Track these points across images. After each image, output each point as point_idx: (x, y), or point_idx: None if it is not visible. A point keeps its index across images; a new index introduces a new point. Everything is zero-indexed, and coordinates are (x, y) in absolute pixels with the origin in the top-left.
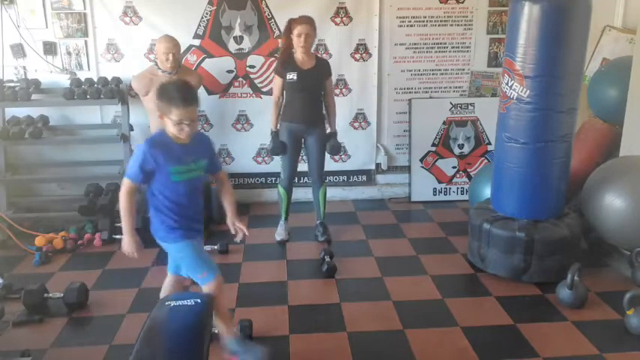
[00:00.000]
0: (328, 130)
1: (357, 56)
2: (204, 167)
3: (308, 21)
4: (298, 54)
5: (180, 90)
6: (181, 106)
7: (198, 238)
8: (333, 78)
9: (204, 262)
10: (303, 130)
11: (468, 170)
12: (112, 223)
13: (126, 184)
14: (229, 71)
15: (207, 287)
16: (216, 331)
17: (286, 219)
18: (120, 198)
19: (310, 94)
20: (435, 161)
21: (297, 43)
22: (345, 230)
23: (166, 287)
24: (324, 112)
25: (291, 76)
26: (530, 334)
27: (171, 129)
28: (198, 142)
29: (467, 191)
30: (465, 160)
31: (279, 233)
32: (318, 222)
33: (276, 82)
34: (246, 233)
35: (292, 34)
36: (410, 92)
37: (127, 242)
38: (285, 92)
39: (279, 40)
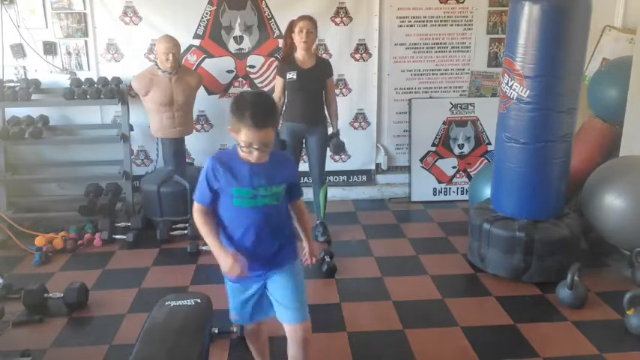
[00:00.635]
0: (331, 131)
1: (357, 56)
2: (280, 195)
3: (310, 18)
4: (299, 53)
5: (255, 106)
6: (252, 127)
7: (255, 287)
8: (334, 78)
9: (235, 309)
10: (304, 129)
11: (468, 170)
12: (112, 223)
13: (195, 207)
14: (229, 71)
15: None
16: (216, 331)
17: None
18: (195, 222)
19: (310, 93)
20: (435, 161)
21: (299, 39)
22: (345, 230)
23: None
24: (325, 112)
25: (291, 75)
26: (530, 334)
27: (240, 149)
28: (275, 163)
29: (467, 191)
30: (465, 160)
31: None
32: (318, 222)
33: (277, 82)
34: (312, 263)
35: (293, 32)
36: (410, 92)
37: (225, 262)
38: (286, 92)
39: (280, 41)
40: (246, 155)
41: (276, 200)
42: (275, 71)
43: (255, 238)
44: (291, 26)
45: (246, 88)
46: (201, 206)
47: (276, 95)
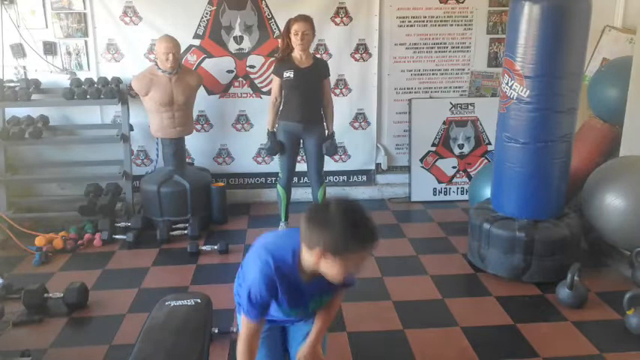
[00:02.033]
0: (326, 132)
1: (357, 56)
2: (327, 300)
3: (305, 19)
4: (296, 53)
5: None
6: (366, 249)
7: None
8: (333, 78)
9: None
10: (301, 130)
11: (468, 170)
12: (112, 223)
13: (249, 329)
14: (229, 71)
15: None
16: (216, 331)
17: (286, 220)
18: (239, 347)
19: (307, 92)
20: (435, 161)
21: (295, 41)
22: None
23: None
24: (322, 112)
25: (288, 74)
26: (530, 334)
27: (325, 270)
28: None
29: (467, 191)
30: (465, 160)
31: None
32: None
33: (275, 83)
34: None
35: (290, 32)
36: (410, 92)
37: None
38: (283, 92)
39: (280, 41)
40: (336, 277)
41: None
42: (273, 71)
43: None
44: (288, 26)
45: (246, 88)
46: (257, 323)
47: (272, 95)
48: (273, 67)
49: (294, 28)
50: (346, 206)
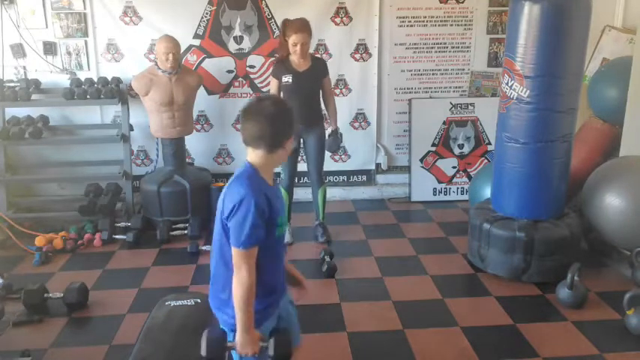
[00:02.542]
0: (330, 129)
1: (357, 56)
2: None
3: (303, 28)
4: (294, 57)
5: None
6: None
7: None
8: (333, 78)
9: None
10: (302, 130)
11: (468, 170)
12: (112, 223)
13: (245, 257)
14: (229, 71)
15: None
16: None
17: (289, 221)
18: (240, 282)
19: (307, 95)
20: (435, 161)
21: (293, 51)
22: (345, 230)
23: None
24: (322, 112)
25: (287, 78)
26: (530, 334)
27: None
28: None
29: (467, 191)
30: (465, 160)
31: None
32: (317, 222)
33: (273, 84)
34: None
35: (288, 39)
36: (410, 92)
37: (246, 341)
38: (282, 94)
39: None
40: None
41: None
42: (271, 73)
43: (282, 267)
44: (285, 30)
45: (246, 88)
46: (254, 250)
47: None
48: (271, 69)
49: (293, 39)
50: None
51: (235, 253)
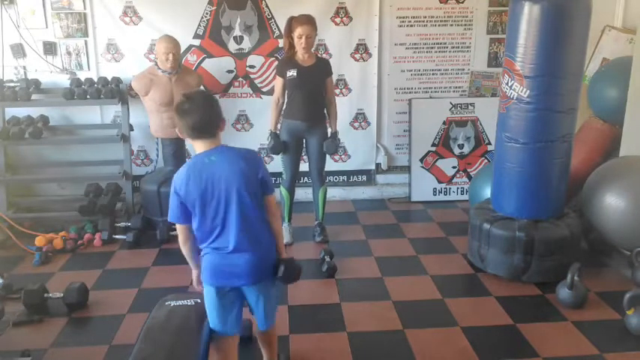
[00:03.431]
0: (329, 131)
1: (357, 56)
2: None
3: (308, 21)
4: (299, 53)
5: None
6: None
7: None
8: (334, 78)
9: None
10: (304, 129)
11: (468, 170)
12: (112, 223)
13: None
14: (229, 71)
15: None
16: None
17: (289, 221)
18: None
19: (310, 91)
20: (435, 161)
21: (298, 43)
22: (345, 230)
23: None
24: (325, 112)
25: (292, 72)
26: (530, 334)
27: None
28: None
29: (467, 191)
30: (465, 160)
31: (284, 236)
32: (316, 223)
33: (277, 83)
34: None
35: (293, 33)
36: (410, 92)
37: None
38: (286, 91)
39: (280, 41)
40: None
41: None
42: (275, 71)
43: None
44: (290, 26)
45: (246, 88)
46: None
47: (275, 96)
48: (276, 68)
49: (299, 31)
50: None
51: (273, 199)
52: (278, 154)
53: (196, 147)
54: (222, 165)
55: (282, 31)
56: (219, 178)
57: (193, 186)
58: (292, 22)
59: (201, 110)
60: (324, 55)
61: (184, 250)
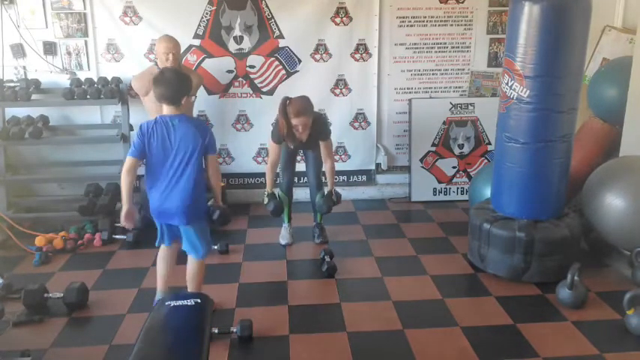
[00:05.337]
0: (326, 190)
1: (357, 56)
2: None
3: (303, 112)
4: (297, 134)
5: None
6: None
7: None
8: (333, 78)
9: None
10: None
11: (468, 170)
12: (112, 223)
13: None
14: (229, 71)
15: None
16: (216, 331)
17: (289, 222)
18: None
19: (307, 150)
20: (435, 161)
21: (296, 129)
22: (345, 230)
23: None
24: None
25: (288, 144)
26: (530, 334)
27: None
28: None
29: (467, 191)
30: (465, 160)
31: (284, 237)
32: (315, 223)
33: (273, 148)
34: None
35: (289, 117)
36: (410, 92)
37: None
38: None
39: (280, 41)
40: None
41: None
42: (271, 136)
43: None
44: (286, 109)
45: (246, 88)
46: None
47: (271, 159)
48: (271, 133)
49: (294, 122)
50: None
51: (214, 158)
52: (279, 215)
53: (164, 110)
54: (181, 129)
55: (278, 111)
56: (179, 138)
57: (157, 136)
58: (287, 106)
59: (169, 83)
60: (323, 56)
61: (127, 178)
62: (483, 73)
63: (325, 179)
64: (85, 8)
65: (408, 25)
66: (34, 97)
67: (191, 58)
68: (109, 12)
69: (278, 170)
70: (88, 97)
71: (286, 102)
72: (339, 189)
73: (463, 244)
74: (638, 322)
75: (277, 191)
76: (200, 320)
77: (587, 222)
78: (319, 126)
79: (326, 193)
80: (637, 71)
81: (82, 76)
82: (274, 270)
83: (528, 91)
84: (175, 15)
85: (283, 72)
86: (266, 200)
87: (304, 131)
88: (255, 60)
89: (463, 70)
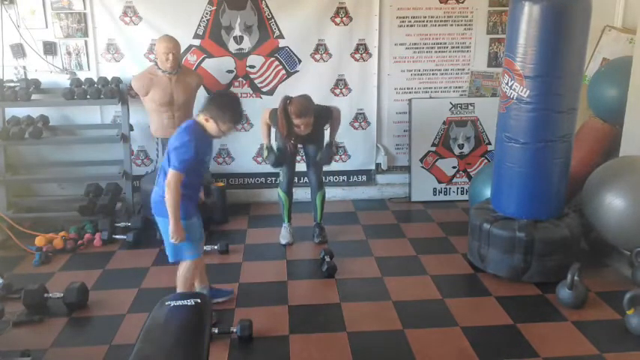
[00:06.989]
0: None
1: (357, 56)
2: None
3: (306, 112)
4: (298, 131)
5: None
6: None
7: None
8: (333, 78)
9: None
10: (300, 142)
11: (468, 170)
12: (112, 223)
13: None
14: (229, 71)
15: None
16: (216, 331)
17: (289, 221)
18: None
19: (309, 143)
20: (435, 161)
21: (297, 127)
22: (345, 230)
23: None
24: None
25: (291, 140)
26: (530, 334)
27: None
28: None
29: (467, 191)
30: (465, 160)
31: (284, 236)
32: (315, 223)
33: (265, 128)
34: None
35: (291, 117)
36: (410, 92)
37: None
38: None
39: (280, 41)
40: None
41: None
42: (270, 118)
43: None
44: (286, 107)
45: (246, 88)
46: (182, 174)
47: (263, 120)
48: (270, 115)
49: (296, 122)
50: (230, 99)
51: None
52: (282, 165)
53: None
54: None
55: (278, 108)
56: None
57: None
58: (289, 107)
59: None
60: (323, 56)
61: (177, 195)
62: (483, 73)
63: (325, 179)
64: (85, 8)
65: (408, 25)
66: (34, 97)
67: (191, 58)
68: (109, 12)
69: (278, 170)
70: (88, 97)
71: (287, 102)
72: (339, 189)
73: (463, 244)
74: (638, 322)
75: (274, 144)
76: (200, 320)
77: (587, 222)
78: (320, 118)
79: (326, 143)
80: (637, 71)
81: (82, 76)
82: (274, 270)
83: (528, 91)
84: (175, 15)
85: (283, 72)
86: (265, 153)
87: (306, 129)
88: (255, 60)
89: (463, 70)
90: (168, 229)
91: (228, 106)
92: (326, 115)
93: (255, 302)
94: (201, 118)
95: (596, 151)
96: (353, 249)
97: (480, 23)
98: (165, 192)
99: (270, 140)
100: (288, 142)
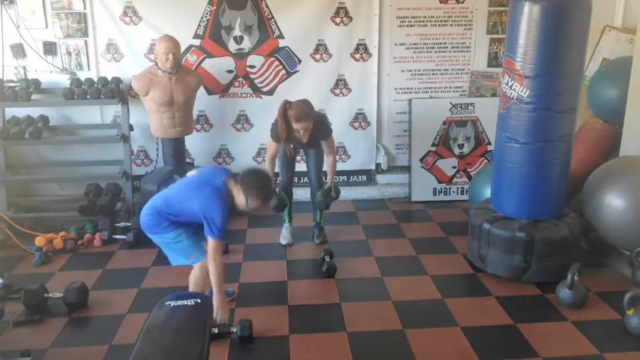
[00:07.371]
0: (326, 185)
1: (357, 56)
2: None
3: (305, 116)
4: (297, 136)
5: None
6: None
7: None
8: (333, 78)
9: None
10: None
11: (468, 170)
12: (112, 223)
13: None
14: (229, 71)
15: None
16: (216, 331)
17: (290, 221)
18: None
19: (308, 148)
20: (435, 161)
21: (297, 132)
22: (345, 230)
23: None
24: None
25: (289, 146)
26: (530, 334)
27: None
28: None
29: (467, 191)
30: (465, 160)
31: (285, 237)
32: (314, 224)
33: (271, 146)
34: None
35: (290, 121)
36: (410, 92)
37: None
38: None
39: (280, 41)
40: None
41: None
42: (270, 134)
43: None
44: (286, 112)
45: (246, 88)
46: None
47: (269, 156)
48: (270, 131)
49: (296, 127)
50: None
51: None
52: (283, 210)
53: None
54: None
55: (278, 115)
56: None
57: None
58: (288, 112)
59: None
60: (323, 56)
61: (220, 266)
62: (483, 73)
63: (326, 179)
64: (85, 8)
65: (408, 25)
66: (34, 97)
67: (191, 58)
68: (109, 12)
69: (277, 170)
70: (88, 97)
71: (286, 106)
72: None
73: (463, 244)
74: (638, 322)
75: (278, 188)
76: (200, 320)
77: (587, 222)
78: (320, 127)
79: (325, 188)
80: (637, 71)
81: (82, 76)
82: (274, 270)
83: (528, 91)
84: (175, 15)
85: (283, 72)
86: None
87: (305, 134)
88: (255, 60)
89: (463, 70)
90: (167, 242)
91: (263, 186)
92: (326, 126)
93: (255, 302)
94: (232, 186)
95: (596, 151)
96: (353, 249)
97: (480, 23)
98: (209, 264)
99: (274, 164)
100: (288, 147)
